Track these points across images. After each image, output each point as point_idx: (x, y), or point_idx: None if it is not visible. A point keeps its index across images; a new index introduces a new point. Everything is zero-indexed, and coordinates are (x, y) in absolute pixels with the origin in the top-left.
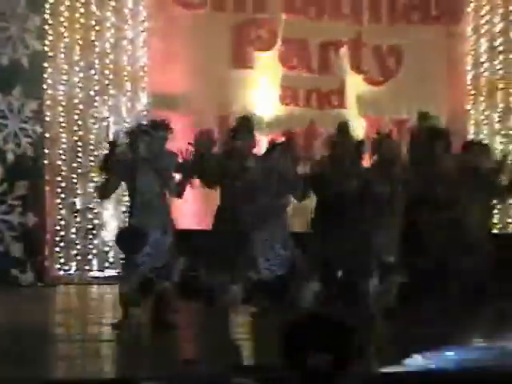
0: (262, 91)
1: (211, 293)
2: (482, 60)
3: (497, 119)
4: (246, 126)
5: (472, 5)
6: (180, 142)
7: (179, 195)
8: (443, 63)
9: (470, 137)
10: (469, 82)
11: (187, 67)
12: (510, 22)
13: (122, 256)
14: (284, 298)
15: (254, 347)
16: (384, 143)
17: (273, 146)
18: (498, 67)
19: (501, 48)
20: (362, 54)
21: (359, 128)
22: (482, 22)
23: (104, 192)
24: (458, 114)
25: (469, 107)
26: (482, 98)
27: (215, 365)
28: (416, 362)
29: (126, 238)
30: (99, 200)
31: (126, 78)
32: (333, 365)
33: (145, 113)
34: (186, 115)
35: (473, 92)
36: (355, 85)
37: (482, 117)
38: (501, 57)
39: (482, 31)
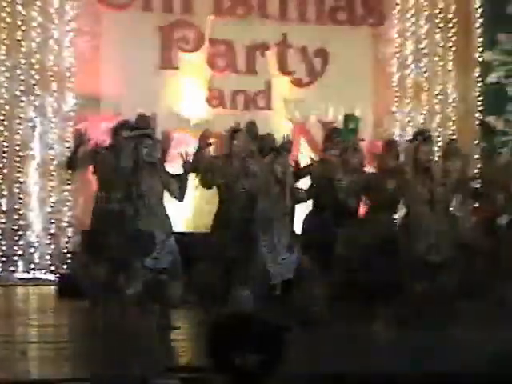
0: (189, 92)
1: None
2: (407, 62)
3: (421, 121)
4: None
5: (398, 7)
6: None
7: (181, 198)
8: (370, 65)
9: (396, 138)
10: (395, 84)
11: (114, 68)
12: (434, 24)
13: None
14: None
15: (187, 348)
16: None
17: (272, 148)
18: (423, 69)
19: (426, 50)
20: (289, 56)
21: (285, 129)
22: (408, 24)
23: (71, 163)
24: (385, 116)
25: (394, 109)
26: (407, 100)
27: (142, 366)
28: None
29: (134, 241)
30: (67, 170)
31: (52, 79)
32: (260, 365)
33: (71, 113)
34: (112, 116)
35: (398, 94)
36: (281, 86)
37: (408, 118)
38: (426, 59)
39: (408, 33)
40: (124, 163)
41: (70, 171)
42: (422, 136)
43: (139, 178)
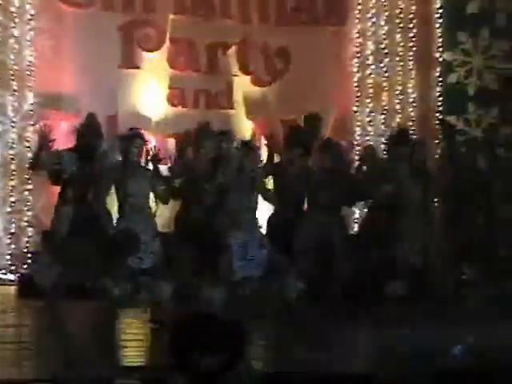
0: (150, 91)
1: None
2: (368, 62)
3: (382, 120)
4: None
5: (359, 7)
6: (68, 143)
7: (166, 200)
8: (331, 64)
9: (357, 138)
10: (355, 84)
11: (75, 67)
12: (395, 24)
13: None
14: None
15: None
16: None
17: (243, 143)
18: (384, 69)
19: (386, 50)
20: (250, 55)
21: (247, 129)
22: (369, 24)
23: (34, 164)
24: (346, 116)
25: (355, 108)
26: (368, 100)
27: (100, 366)
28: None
29: (119, 241)
30: (30, 170)
31: (12, 77)
32: (219, 365)
33: (32, 112)
34: (73, 115)
35: (359, 93)
36: (243, 86)
37: (368, 118)
38: (386, 59)
39: (369, 33)
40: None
41: (32, 171)
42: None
43: (127, 178)
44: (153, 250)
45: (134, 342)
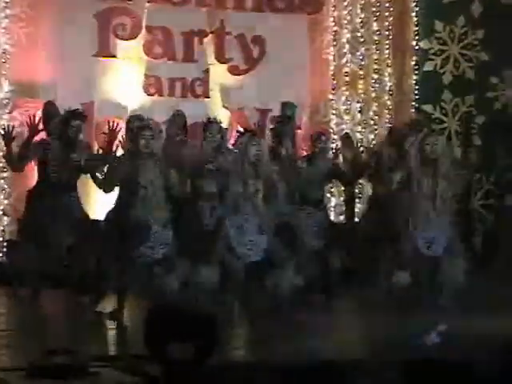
0: (126, 80)
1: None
2: (344, 50)
3: (358, 109)
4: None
5: None
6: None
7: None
8: (307, 52)
9: (333, 126)
10: (331, 72)
11: (50, 55)
12: (371, 12)
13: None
14: None
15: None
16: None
17: (246, 130)
18: (360, 57)
19: (362, 38)
20: (226, 43)
21: (223, 117)
22: (345, 12)
23: (16, 163)
24: (321, 104)
25: (331, 96)
26: (343, 88)
27: (76, 355)
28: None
29: (129, 230)
30: (12, 170)
31: None
32: (193, 355)
33: (7, 101)
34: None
35: (335, 82)
36: (219, 74)
37: (344, 106)
38: (362, 47)
39: (345, 21)
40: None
41: (15, 169)
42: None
43: (137, 168)
44: (163, 241)
45: (111, 331)
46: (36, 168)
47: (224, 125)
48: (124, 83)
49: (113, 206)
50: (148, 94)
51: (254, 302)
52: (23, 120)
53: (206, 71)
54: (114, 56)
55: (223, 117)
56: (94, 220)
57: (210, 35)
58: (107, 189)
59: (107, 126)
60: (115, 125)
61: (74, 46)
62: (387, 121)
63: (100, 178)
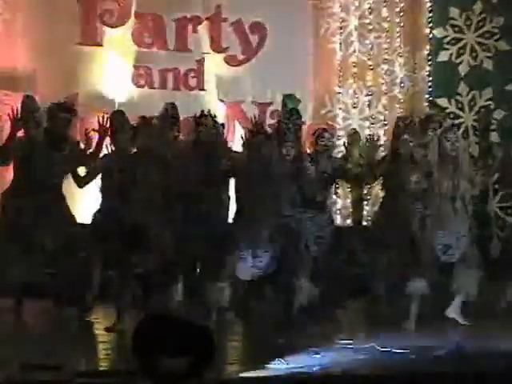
0: (114, 71)
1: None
2: (351, 38)
3: (367, 102)
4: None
5: None
6: None
7: None
8: (310, 41)
9: (339, 122)
10: (337, 62)
11: (32, 44)
12: None
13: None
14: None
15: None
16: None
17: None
18: (369, 47)
19: (371, 26)
20: (223, 31)
21: (218, 111)
22: None
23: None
24: (327, 98)
25: (337, 89)
26: (351, 80)
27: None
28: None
29: (126, 234)
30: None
31: None
32: (186, 368)
33: None
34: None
35: (341, 73)
36: (214, 64)
37: (351, 100)
38: (371, 36)
39: (352, 7)
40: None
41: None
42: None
43: (136, 166)
44: (165, 243)
45: (99, 344)
46: (15, 165)
47: (219, 119)
48: (111, 74)
49: (103, 207)
50: (137, 86)
51: None
52: (2, 114)
53: (201, 61)
54: (100, 45)
55: (219, 111)
56: (81, 223)
57: (205, 22)
58: (83, 185)
59: (97, 122)
60: (105, 120)
61: (56, 34)
62: (398, 115)
63: (81, 175)
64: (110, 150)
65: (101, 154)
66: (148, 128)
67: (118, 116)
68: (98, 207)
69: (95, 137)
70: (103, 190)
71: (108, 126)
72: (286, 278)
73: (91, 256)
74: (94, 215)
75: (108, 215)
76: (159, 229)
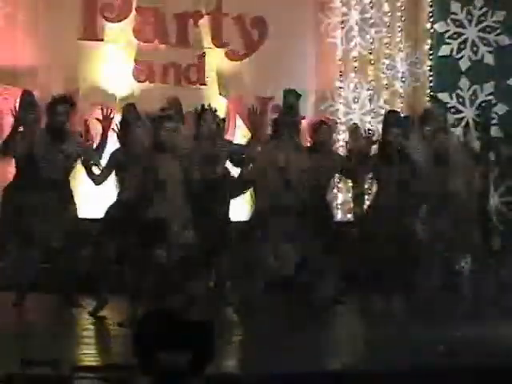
0: (114, 65)
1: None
2: (352, 33)
3: (368, 97)
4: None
5: None
6: None
7: None
8: (312, 36)
9: (340, 116)
10: (338, 57)
11: (32, 38)
12: None
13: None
14: None
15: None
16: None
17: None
18: (370, 41)
19: (372, 20)
20: (224, 26)
21: (220, 106)
22: None
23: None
24: (328, 92)
25: (338, 84)
26: (352, 74)
27: (58, 365)
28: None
29: (146, 230)
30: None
31: None
32: (186, 365)
33: None
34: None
35: (342, 68)
36: (216, 59)
37: (353, 95)
38: (372, 30)
39: (353, 2)
40: None
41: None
42: None
43: (157, 163)
44: (184, 240)
45: (98, 339)
46: (17, 160)
47: (221, 114)
48: (112, 69)
49: (118, 201)
50: (138, 81)
51: None
52: (3, 108)
53: (202, 56)
54: (100, 39)
55: (220, 106)
56: (89, 219)
57: (206, 17)
58: (100, 183)
59: (101, 113)
60: (109, 111)
61: (57, 29)
62: (399, 110)
63: (95, 171)
64: (120, 144)
65: (108, 148)
66: (168, 121)
67: (130, 109)
68: (112, 201)
69: (97, 129)
70: (119, 184)
71: (120, 119)
72: None
73: (104, 250)
74: (109, 209)
75: (125, 209)
76: (181, 223)
